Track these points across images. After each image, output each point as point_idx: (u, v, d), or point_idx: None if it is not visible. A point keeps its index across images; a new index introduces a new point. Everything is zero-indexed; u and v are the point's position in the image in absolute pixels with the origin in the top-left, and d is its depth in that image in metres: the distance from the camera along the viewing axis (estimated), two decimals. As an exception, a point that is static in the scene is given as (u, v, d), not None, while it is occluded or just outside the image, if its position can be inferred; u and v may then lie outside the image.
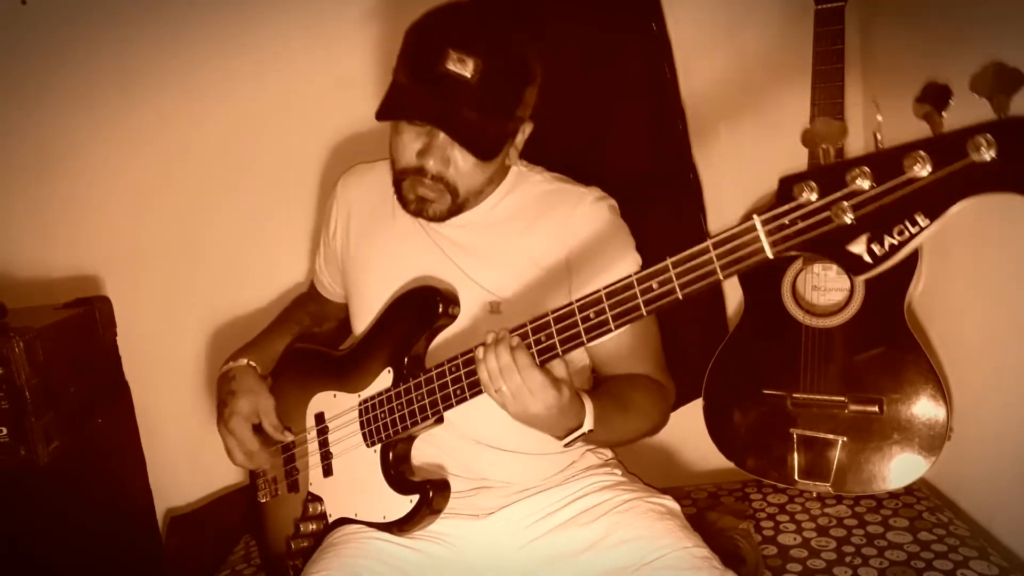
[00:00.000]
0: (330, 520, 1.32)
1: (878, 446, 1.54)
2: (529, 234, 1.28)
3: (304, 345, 1.47)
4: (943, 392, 1.48)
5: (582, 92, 1.70)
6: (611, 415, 1.17)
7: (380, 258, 1.35)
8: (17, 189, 1.84)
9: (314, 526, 1.33)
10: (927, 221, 0.76)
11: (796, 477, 1.60)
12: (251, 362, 1.40)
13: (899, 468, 1.53)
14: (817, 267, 1.61)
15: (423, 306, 1.24)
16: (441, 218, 1.25)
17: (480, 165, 1.19)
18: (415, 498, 1.21)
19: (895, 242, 0.78)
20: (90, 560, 1.59)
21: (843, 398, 1.56)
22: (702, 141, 1.79)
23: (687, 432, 1.74)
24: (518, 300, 1.27)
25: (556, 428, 1.11)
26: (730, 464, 1.70)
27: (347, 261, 1.42)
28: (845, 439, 1.56)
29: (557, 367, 1.06)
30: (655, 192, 1.72)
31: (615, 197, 1.34)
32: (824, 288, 1.61)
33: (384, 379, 1.25)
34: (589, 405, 1.12)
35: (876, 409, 1.54)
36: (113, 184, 1.85)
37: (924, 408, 1.50)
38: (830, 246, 0.82)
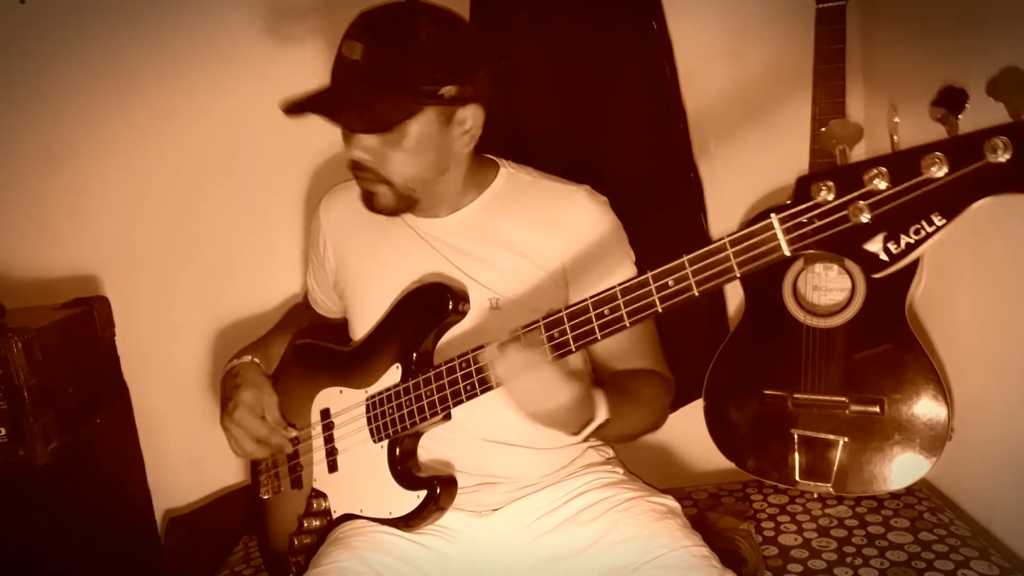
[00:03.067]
0: (334, 516, 1.32)
1: (879, 446, 1.54)
2: (523, 232, 1.28)
3: (308, 341, 1.47)
4: (944, 392, 1.48)
5: (582, 92, 1.69)
6: (621, 406, 1.17)
7: (378, 272, 1.34)
8: (16, 189, 1.84)
9: (318, 522, 1.33)
10: (943, 220, 0.78)
11: (797, 477, 1.60)
12: (255, 359, 1.41)
13: (900, 468, 1.53)
14: (818, 267, 1.60)
15: (433, 303, 1.23)
16: (392, 211, 1.25)
17: (409, 152, 1.18)
18: (422, 494, 1.21)
19: (911, 240, 0.80)
20: (89, 560, 1.58)
21: (844, 398, 1.56)
22: (702, 141, 1.78)
23: (687, 432, 1.74)
24: (516, 296, 1.27)
25: (571, 423, 1.10)
26: (731, 464, 1.70)
27: (344, 281, 1.42)
28: (846, 439, 1.56)
29: (571, 359, 1.06)
30: (655, 192, 1.72)
31: (615, 197, 1.33)
32: (825, 288, 1.60)
33: (392, 375, 1.25)
34: (601, 395, 1.13)
35: (877, 409, 1.54)
36: (112, 184, 1.85)
37: (925, 408, 1.50)
38: (847, 244, 0.84)
